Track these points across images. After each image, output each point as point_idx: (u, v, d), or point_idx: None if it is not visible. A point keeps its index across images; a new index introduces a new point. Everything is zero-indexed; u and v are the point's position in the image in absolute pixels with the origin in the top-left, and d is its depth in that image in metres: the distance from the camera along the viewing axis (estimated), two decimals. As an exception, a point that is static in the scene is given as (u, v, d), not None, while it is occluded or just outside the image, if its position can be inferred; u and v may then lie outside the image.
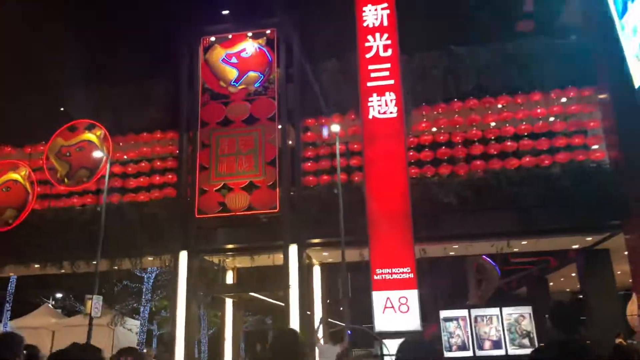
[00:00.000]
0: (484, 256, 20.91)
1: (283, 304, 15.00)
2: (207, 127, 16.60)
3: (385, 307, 13.39)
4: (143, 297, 26.00)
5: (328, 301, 19.45)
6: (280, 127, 16.12)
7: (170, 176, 16.89)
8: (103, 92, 17.96)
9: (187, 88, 17.17)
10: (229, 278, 18.23)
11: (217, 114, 16.72)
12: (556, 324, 3.80)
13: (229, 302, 18.13)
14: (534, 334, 13.80)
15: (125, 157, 17.57)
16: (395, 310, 13.31)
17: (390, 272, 13.54)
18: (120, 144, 17.57)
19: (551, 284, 24.44)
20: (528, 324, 13.91)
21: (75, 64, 20.42)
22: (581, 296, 17.89)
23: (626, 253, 14.18)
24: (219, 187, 15.87)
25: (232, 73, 17.10)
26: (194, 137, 16.62)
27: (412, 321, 13.12)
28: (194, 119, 16.74)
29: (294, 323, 14.24)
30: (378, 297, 13.47)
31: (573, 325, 3.75)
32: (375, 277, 13.62)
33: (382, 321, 13.27)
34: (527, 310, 14.11)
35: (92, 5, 20.49)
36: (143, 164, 17.23)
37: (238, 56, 17.27)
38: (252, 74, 16.96)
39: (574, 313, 3.82)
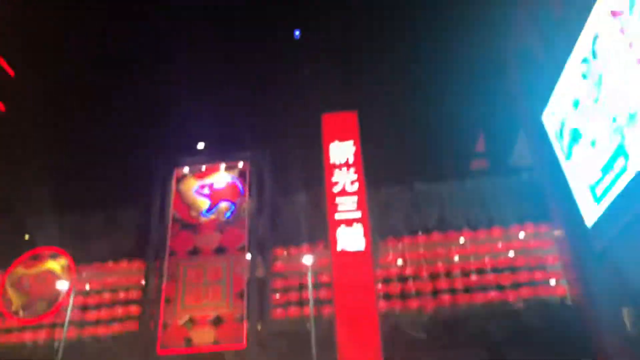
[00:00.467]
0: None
1: None
2: (175, 256, 16.53)
3: None
4: None
5: None
6: (249, 257, 16.18)
7: (133, 308, 16.34)
8: (71, 219, 17.87)
9: (157, 217, 17.29)
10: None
11: (186, 244, 16.76)
12: None
13: None
14: None
15: (87, 287, 17.04)
16: None
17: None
18: (84, 273, 17.14)
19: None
20: None
21: (43, 189, 20.40)
22: None
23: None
24: (184, 320, 15.41)
25: (204, 203, 17.43)
26: (160, 267, 16.42)
27: None
28: (162, 249, 16.68)
29: None
30: None
31: None
32: None
33: None
34: None
35: (59, 129, 20.98)
36: (106, 295, 16.72)
37: (211, 187, 17.74)
38: (223, 204, 17.34)
39: None
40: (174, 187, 17.88)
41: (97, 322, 16.28)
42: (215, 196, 17.61)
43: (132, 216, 17.95)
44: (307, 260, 14.61)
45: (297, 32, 17.53)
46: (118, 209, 18.22)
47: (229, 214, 17.18)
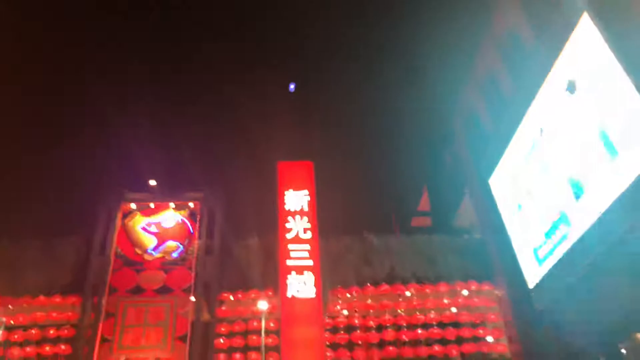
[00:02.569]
0: None
1: None
2: (115, 294, 15.75)
3: None
4: None
5: None
6: (194, 299, 15.70)
7: (63, 347, 15.24)
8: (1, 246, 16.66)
9: (98, 252, 16.49)
10: None
11: (128, 281, 16.05)
12: None
13: None
14: None
15: (12, 322, 15.73)
16: None
17: None
18: (10, 306, 15.84)
19: None
20: None
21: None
22: None
23: None
24: (120, 362, 14.55)
25: (151, 241, 16.90)
26: (98, 304, 15.54)
27: None
28: (101, 285, 15.82)
29: None
30: None
31: None
32: None
33: None
34: None
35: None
36: (33, 332, 15.49)
37: (158, 225, 17.27)
38: (171, 243, 16.89)
39: None
40: (119, 222, 17.25)
41: (22, 360, 15.01)
42: (162, 235, 17.14)
43: (70, 248, 16.96)
44: (262, 305, 14.38)
45: (292, 86, 17.92)
46: (55, 239, 17.19)
47: (176, 254, 16.74)
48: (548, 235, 13.18)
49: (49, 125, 20.13)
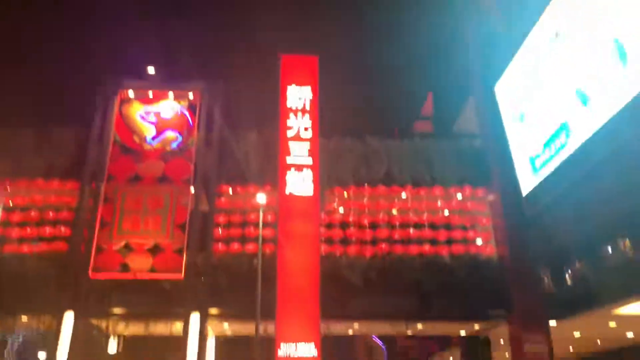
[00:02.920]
0: (373, 336, 21.62)
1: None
2: (114, 180, 15.87)
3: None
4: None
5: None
6: (194, 190, 15.89)
7: (63, 229, 15.59)
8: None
9: (96, 138, 16.39)
10: (114, 347, 16.77)
11: (127, 169, 16.10)
12: None
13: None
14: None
15: (10, 203, 15.95)
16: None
17: (295, 347, 13.58)
18: (8, 187, 16.00)
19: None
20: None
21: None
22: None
23: (502, 342, 15.68)
24: (120, 246, 14.97)
25: (149, 130, 16.75)
26: (97, 190, 15.71)
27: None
28: (99, 171, 15.91)
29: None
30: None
31: None
32: (279, 353, 13.55)
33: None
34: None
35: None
36: (32, 213, 15.78)
37: (157, 114, 17.02)
38: (170, 133, 16.76)
39: None
40: (116, 109, 16.97)
41: (21, 240, 15.40)
42: (161, 124, 16.94)
43: (68, 133, 16.85)
44: (261, 198, 14.50)
45: None
46: (53, 125, 17.03)
47: (175, 144, 16.66)
48: (547, 144, 13.17)
49: (46, 10, 19.14)
